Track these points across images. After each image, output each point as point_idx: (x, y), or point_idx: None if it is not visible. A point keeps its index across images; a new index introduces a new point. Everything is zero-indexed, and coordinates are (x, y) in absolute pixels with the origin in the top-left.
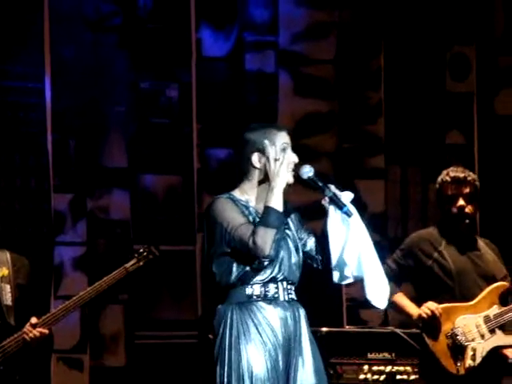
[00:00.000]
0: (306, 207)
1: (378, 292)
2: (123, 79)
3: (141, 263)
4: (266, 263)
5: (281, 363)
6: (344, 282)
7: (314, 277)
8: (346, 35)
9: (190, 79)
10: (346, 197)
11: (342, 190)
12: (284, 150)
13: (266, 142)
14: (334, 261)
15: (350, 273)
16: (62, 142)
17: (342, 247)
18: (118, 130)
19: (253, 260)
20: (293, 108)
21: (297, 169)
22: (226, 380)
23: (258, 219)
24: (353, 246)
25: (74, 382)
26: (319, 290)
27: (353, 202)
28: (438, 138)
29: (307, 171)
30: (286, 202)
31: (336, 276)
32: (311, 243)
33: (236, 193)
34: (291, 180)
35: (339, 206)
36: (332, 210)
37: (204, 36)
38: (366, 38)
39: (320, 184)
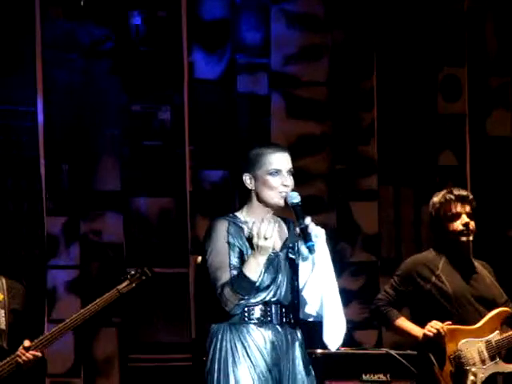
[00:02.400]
0: None
1: (334, 336)
2: (115, 102)
3: (133, 285)
4: (265, 285)
5: None
6: (308, 319)
7: None
8: (338, 57)
9: (183, 102)
10: (318, 232)
11: (317, 225)
12: (271, 174)
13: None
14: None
15: (313, 310)
16: (55, 165)
17: (304, 284)
18: (110, 154)
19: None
20: (285, 130)
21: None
22: None
23: (248, 248)
24: (315, 285)
25: None
26: None
27: (346, 223)
28: (431, 159)
29: (293, 198)
30: (289, 222)
31: (300, 313)
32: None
33: (239, 213)
34: (281, 203)
35: (306, 239)
36: (301, 243)
37: (196, 59)
38: (359, 59)
39: (299, 213)
